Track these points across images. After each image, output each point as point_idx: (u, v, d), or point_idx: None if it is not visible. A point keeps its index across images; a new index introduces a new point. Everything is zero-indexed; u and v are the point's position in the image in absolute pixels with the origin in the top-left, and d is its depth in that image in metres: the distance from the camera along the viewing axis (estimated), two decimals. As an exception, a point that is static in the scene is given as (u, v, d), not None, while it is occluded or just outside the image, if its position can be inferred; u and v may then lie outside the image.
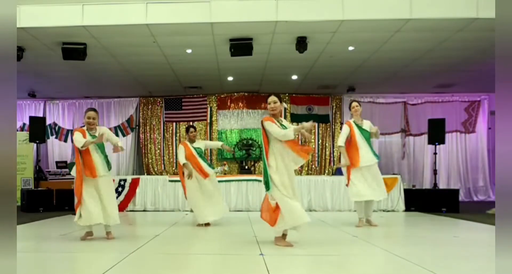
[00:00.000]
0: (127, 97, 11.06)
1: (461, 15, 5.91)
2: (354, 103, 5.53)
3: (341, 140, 5.45)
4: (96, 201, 4.38)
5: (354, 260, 3.59)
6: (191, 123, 10.87)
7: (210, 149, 10.75)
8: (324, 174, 10.56)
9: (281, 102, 4.06)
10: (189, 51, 7.43)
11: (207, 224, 5.63)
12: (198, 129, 10.84)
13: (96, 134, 4.46)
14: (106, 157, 4.52)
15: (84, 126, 4.55)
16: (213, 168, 5.83)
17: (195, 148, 5.67)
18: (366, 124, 5.50)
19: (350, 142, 5.44)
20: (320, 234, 4.93)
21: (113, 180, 4.49)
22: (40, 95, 10.70)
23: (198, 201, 5.61)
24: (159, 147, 10.96)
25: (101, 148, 4.50)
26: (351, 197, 5.51)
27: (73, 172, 4.49)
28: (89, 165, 4.36)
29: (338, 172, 9.22)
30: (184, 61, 8.06)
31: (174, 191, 7.90)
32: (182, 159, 5.54)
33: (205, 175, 5.57)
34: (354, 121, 5.50)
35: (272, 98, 4.04)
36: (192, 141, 5.76)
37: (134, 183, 7.95)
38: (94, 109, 4.62)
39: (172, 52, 7.48)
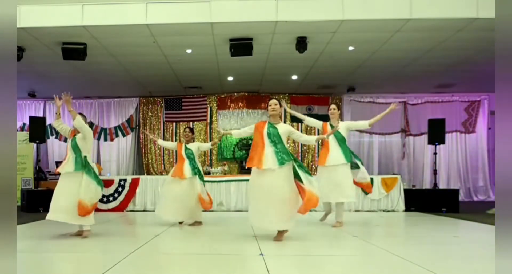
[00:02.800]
0: (127, 97, 11.06)
1: (461, 15, 5.92)
2: (332, 106, 5.60)
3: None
4: None
5: (354, 260, 3.59)
6: (191, 123, 10.89)
7: (210, 149, 10.76)
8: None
9: (281, 105, 4.51)
10: (189, 51, 7.43)
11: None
12: (198, 130, 10.86)
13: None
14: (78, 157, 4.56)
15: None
16: (195, 174, 5.59)
17: (186, 148, 5.76)
18: (342, 126, 5.43)
19: (322, 142, 5.51)
20: (320, 234, 4.93)
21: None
22: (40, 95, 10.69)
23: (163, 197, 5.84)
24: (159, 146, 10.93)
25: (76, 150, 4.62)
26: None
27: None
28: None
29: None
30: (184, 61, 8.06)
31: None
32: (162, 142, 6.30)
33: (181, 176, 5.54)
34: (330, 124, 5.54)
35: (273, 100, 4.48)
36: (186, 142, 5.86)
37: (134, 183, 7.95)
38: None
39: (172, 52, 7.48)
